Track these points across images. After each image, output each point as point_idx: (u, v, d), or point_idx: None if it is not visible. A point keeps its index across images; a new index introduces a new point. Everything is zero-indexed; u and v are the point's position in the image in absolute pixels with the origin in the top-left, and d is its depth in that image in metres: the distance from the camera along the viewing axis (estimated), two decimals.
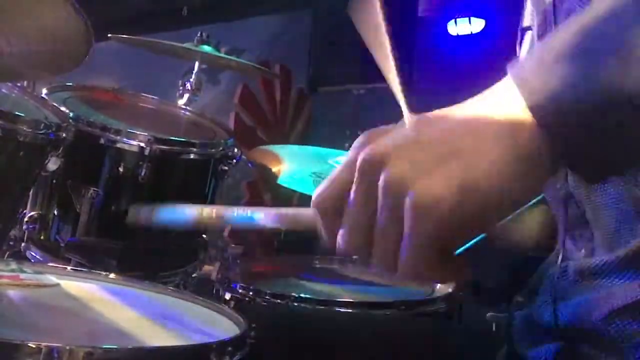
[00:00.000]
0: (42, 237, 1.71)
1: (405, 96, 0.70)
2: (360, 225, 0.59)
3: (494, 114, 0.57)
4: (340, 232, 0.61)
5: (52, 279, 1.21)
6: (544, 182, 0.59)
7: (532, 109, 0.56)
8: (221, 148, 1.83)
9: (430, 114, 0.61)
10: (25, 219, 1.67)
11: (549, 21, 0.96)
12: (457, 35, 3.72)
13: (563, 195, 0.98)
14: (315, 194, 0.62)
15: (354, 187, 0.59)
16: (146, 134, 1.69)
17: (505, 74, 0.65)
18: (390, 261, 0.57)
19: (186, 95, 2.15)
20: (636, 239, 0.88)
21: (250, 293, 1.57)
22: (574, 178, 0.92)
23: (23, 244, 1.67)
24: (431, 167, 0.55)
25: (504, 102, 0.58)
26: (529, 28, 1.13)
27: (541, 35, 0.99)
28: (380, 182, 0.56)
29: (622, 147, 0.56)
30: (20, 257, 1.63)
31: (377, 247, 0.58)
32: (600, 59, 0.54)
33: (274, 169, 1.80)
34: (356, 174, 0.59)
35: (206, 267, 1.91)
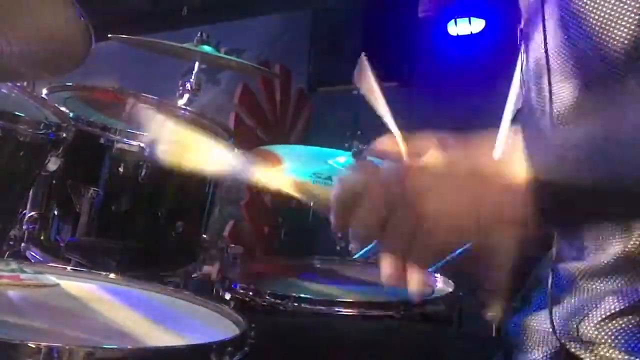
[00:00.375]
0: (42, 237, 1.71)
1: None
2: (375, 220, 0.75)
3: (493, 179, 0.78)
4: (355, 222, 0.76)
5: (52, 279, 1.21)
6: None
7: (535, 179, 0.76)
8: None
9: (449, 161, 0.79)
10: (25, 219, 1.67)
11: (533, 20, 0.96)
12: (457, 36, 3.72)
13: None
14: (335, 189, 0.79)
15: (377, 188, 0.76)
16: (146, 134, 1.69)
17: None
18: (398, 249, 0.75)
19: (186, 95, 2.15)
20: (621, 245, 0.89)
21: (250, 293, 1.58)
22: None
23: (23, 244, 1.67)
24: (446, 197, 0.75)
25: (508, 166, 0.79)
26: None
27: (527, 34, 0.99)
28: (407, 191, 0.75)
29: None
30: (20, 257, 1.63)
31: (390, 238, 0.75)
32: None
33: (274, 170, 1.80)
34: (383, 180, 0.77)
35: (206, 267, 1.91)
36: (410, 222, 0.74)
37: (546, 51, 0.92)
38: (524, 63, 1.04)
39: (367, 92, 1.08)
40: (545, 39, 0.92)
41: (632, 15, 0.80)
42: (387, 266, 0.76)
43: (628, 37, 0.80)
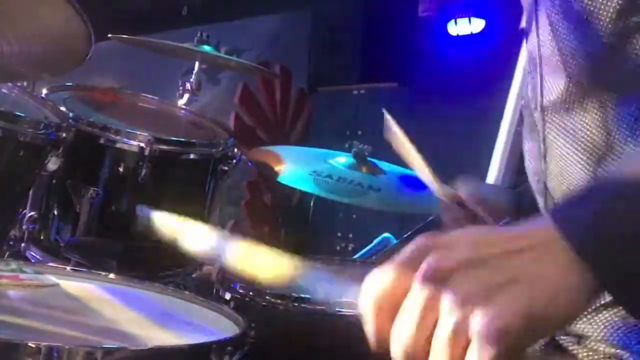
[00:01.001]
0: (42, 237, 1.71)
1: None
2: (421, 334, 0.61)
3: (550, 246, 0.61)
4: (396, 334, 0.62)
5: (52, 279, 1.21)
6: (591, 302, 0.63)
7: (603, 282, 0.60)
8: (221, 148, 1.83)
9: (489, 234, 0.64)
10: (25, 219, 1.67)
11: (530, 15, 0.97)
12: (457, 36, 3.73)
13: (543, 187, 0.99)
14: (367, 289, 0.64)
15: (415, 296, 0.61)
16: (146, 134, 1.69)
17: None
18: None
19: (186, 95, 2.15)
20: None
21: (250, 293, 1.57)
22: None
23: (23, 244, 1.67)
24: (497, 290, 0.59)
25: (552, 244, 0.61)
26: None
27: (526, 31, 1.00)
28: (447, 298, 0.59)
29: None
30: (20, 257, 1.63)
31: (439, 355, 0.60)
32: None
33: (275, 168, 1.80)
34: (419, 283, 0.61)
35: (206, 267, 1.90)
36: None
37: (538, 44, 0.93)
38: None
39: (398, 147, 1.04)
40: (537, 32, 0.93)
41: (611, 6, 0.80)
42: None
43: (609, 28, 0.81)
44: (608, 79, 0.85)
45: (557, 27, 0.88)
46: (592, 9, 0.82)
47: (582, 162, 0.89)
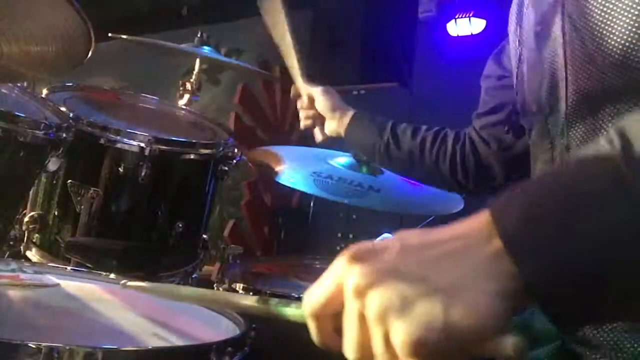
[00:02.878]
0: (42, 237, 1.71)
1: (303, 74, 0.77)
2: (361, 344, 0.61)
3: (477, 251, 0.59)
4: (344, 343, 0.63)
5: (52, 279, 1.21)
6: (518, 313, 0.60)
7: (527, 282, 0.57)
8: (221, 148, 1.83)
9: (412, 239, 0.62)
10: (25, 219, 1.67)
11: (549, 19, 0.96)
12: (457, 36, 3.72)
13: None
14: (307, 301, 0.66)
15: (346, 311, 0.62)
16: (146, 134, 1.69)
17: None
18: None
19: (186, 96, 2.15)
20: None
21: (250, 293, 1.57)
22: None
23: (23, 244, 1.67)
24: (414, 301, 0.58)
25: (487, 239, 0.59)
26: None
27: (541, 34, 0.99)
28: (369, 313, 0.59)
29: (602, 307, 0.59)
30: (20, 257, 1.63)
31: None
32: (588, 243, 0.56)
33: (275, 168, 1.80)
34: (346, 299, 0.62)
35: (206, 267, 1.91)
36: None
37: (564, 51, 0.92)
38: (527, 63, 1.04)
39: (272, 24, 0.95)
40: (564, 37, 0.92)
41: (629, 14, 0.80)
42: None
43: (623, 39, 0.80)
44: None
45: (581, 32, 0.88)
46: (612, 14, 0.81)
47: None
